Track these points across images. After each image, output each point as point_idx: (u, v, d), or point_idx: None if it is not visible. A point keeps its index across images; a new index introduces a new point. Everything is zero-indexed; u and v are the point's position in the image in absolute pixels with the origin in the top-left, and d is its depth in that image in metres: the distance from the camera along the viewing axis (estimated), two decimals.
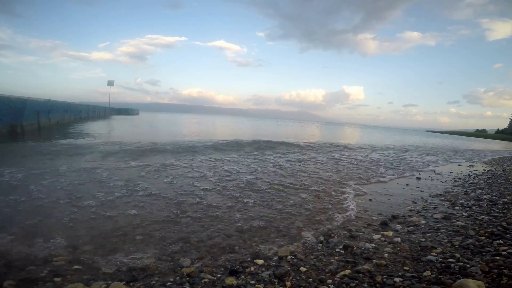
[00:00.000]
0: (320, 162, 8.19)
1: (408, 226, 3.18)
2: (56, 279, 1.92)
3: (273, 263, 2.25)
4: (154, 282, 1.93)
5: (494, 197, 4.69)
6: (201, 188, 4.45)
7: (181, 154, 7.74)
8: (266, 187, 4.80)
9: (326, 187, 5.11)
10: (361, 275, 2.05)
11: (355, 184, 5.51)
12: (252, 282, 1.96)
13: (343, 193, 4.75)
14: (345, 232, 3.00)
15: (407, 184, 5.86)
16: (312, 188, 4.92)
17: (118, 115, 37.21)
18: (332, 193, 4.71)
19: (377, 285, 1.93)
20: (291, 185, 5.03)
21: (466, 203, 4.30)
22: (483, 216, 3.54)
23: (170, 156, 7.41)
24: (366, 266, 2.17)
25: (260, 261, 2.26)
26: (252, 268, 2.15)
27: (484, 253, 2.40)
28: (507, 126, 74.96)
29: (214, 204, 3.69)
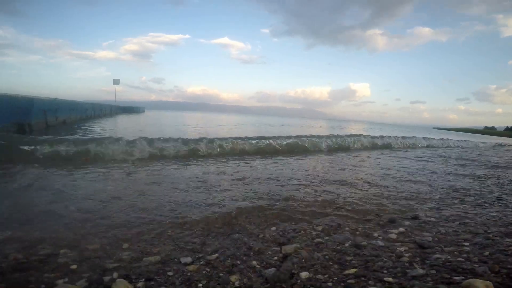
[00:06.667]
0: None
1: (416, 223, 3.14)
2: (58, 279, 1.94)
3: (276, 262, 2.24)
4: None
5: (503, 195, 4.62)
6: None
7: None
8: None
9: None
10: (367, 272, 2.03)
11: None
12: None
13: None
14: (352, 228, 2.97)
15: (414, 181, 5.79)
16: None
17: (124, 113, 37.55)
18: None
19: (384, 283, 1.91)
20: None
21: (476, 200, 4.25)
22: (493, 214, 3.48)
23: None
24: (373, 265, 2.15)
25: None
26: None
27: (493, 252, 2.36)
28: None
29: None
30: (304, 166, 7.22)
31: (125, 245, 2.43)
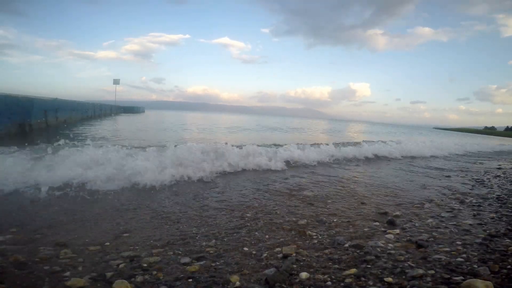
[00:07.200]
0: None
1: (416, 224, 3.14)
2: (60, 275, 1.95)
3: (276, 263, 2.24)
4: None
5: (503, 196, 4.62)
6: None
7: None
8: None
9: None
10: (367, 273, 2.04)
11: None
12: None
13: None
14: (351, 230, 2.98)
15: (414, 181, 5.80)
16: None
17: (124, 113, 37.56)
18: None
19: (384, 283, 1.91)
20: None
21: (475, 201, 4.24)
22: (492, 215, 3.49)
23: None
24: (372, 265, 2.15)
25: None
26: None
27: (493, 253, 2.36)
28: None
29: None
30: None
31: None
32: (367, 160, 8.70)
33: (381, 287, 1.88)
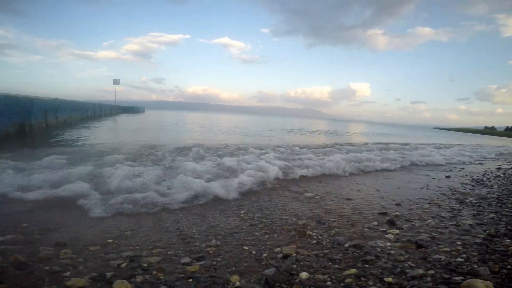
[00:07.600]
0: None
1: (416, 224, 3.14)
2: (60, 275, 1.95)
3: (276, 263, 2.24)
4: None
5: (502, 196, 4.61)
6: None
7: None
8: None
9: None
10: (367, 273, 2.04)
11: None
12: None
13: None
14: (352, 229, 2.98)
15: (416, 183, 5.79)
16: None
17: (124, 113, 37.55)
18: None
19: (384, 283, 1.91)
20: None
21: (475, 201, 4.24)
22: (491, 215, 3.48)
23: None
24: (372, 265, 2.15)
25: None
26: None
27: (493, 253, 2.36)
28: None
29: None
30: None
31: None
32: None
33: (381, 287, 1.88)
